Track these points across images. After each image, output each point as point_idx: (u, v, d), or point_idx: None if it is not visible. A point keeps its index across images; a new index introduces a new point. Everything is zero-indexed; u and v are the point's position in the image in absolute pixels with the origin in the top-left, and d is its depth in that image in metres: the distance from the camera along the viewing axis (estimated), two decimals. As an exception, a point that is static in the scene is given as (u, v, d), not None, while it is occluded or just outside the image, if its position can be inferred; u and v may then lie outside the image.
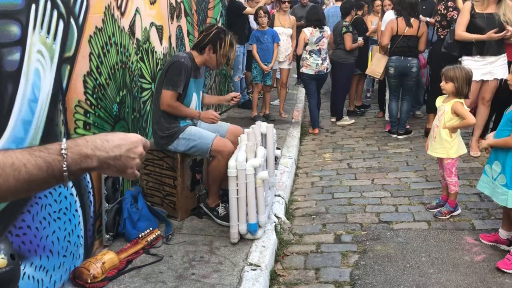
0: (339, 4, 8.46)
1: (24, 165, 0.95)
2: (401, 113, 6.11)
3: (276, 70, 6.93)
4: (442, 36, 5.67)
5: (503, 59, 4.93)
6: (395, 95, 6.11)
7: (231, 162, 3.17)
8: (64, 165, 0.98)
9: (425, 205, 3.97)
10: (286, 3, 6.49)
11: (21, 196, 1.00)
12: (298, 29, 6.84)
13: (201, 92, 3.78)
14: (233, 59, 3.91)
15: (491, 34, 4.72)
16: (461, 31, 4.93)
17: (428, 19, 6.18)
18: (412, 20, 5.75)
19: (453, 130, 3.64)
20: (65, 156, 0.98)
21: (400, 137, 6.04)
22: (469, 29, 4.90)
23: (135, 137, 1.10)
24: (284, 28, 6.45)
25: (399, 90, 6.09)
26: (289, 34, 6.49)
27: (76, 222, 2.88)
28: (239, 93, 3.99)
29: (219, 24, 6.74)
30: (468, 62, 4.95)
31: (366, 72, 6.66)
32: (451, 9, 5.58)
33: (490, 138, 3.19)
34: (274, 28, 6.45)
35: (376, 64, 6.20)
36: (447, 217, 3.71)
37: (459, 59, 5.03)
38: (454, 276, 2.96)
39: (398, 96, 6.14)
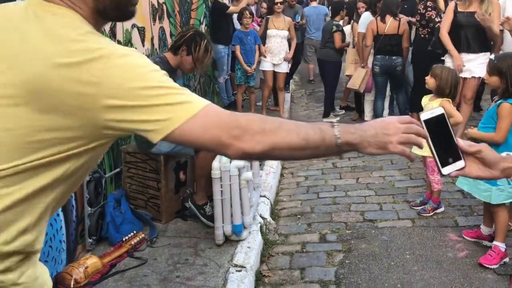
0: (314, 4, 8.60)
1: (303, 126, 1.11)
2: (399, 106, 6.29)
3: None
4: (422, 35, 5.73)
5: (484, 57, 4.99)
6: (381, 94, 6.17)
7: (215, 163, 3.16)
8: (337, 133, 1.10)
9: (409, 203, 3.99)
10: (278, 4, 6.46)
11: (296, 155, 1.11)
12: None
13: None
14: (207, 64, 3.79)
15: (456, 60, 4.92)
16: (444, 31, 5.04)
17: (410, 18, 6.25)
18: (391, 19, 5.82)
19: None
20: (335, 126, 1.11)
21: None
22: (452, 26, 5.00)
23: (387, 118, 1.18)
24: (277, 30, 6.44)
25: (385, 88, 6.18)
26: (284, 36, 6.48)
27: (58, 227, 2.84)
28: None
29: (203, 25, 6.72)
30: (449, 60, 5.03)
31: (347, 86, 6.66)
32: (430, 9, 5.65)
33: (475, 131, 3.20)
34: (268, 31, 6.46)
35: (356, 77, 6.24)
36: (431, 214, 3.74)
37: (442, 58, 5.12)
38: (437, 272, 2.98)
39: (384, 94, 6.22)
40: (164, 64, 3.47)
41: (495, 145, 3.01)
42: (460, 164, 1.19)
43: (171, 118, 1.01)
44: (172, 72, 3.56)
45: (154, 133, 1.02)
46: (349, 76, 6.66)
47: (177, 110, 1.02)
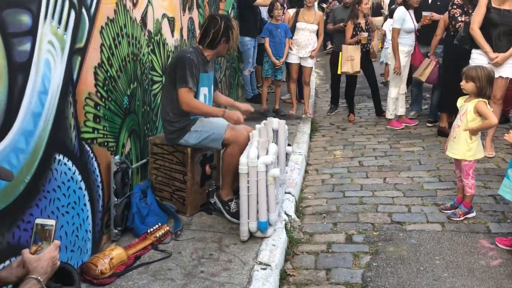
0: None
1: None
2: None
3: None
4: (453, 33, 5.57)
5: None
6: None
7: (243, 159, 3.11)
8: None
9: (439, 205, 3.88)
10: None
11: None
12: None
13: (212, 86, 3.70)
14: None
15: (496, 59, 4.69)
16: (475, 26, 4.84)
17: (436, 15, 6.05)
18: None
19: (473, 132, 3.54)
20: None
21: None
22: (483, 23, 4.79)
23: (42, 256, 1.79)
24: (307, 24, 6.30)
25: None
26: (313, 30, 6.34)
27: (85, 217, 2.83)
28: (253, 110, 3.88)
29: (231, 17, 6.65)
30: (476, 56, 4.85)
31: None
32: (455, 7, 5.48)
33: None
34: (297, 23, 6.32)
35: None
36: (462, 218, 3.63)
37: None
38: (469, 281, 2.88)
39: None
40: (198, 55, 3.46)
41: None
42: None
43: None
44: (206, 63, 3.54)
45: None
46: (344, 73, 6.43)
47: None
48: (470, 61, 4.86)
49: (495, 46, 4.76)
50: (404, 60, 6.05)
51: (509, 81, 4.91)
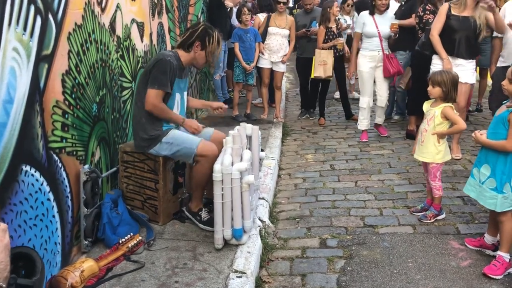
0: None
1: None
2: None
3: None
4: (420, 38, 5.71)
5: (471, 64, 4.95)
6: None
7: (217, 166, 3.07)
8: None
9: (409, 208, 3.95)
10: (281, 4, 6.31)
11: None
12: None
13: (185, 93, 3.65)
14: (218, 56, 3.80)
15: (447, 64, 4.79)
16: (434, 32, 4.96)
17: (398, 21, 6.10)
18: None
19: (441, 136, 3.63)
20: None
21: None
22: (443, 29, 4.92)
23: None
24: (279, 29, 6.31)
25: None
26: (284, 35, 6.35)
27: (54, 229, 2.74)
28: (226, 106, 3.88)
29: (201, 21, 6.60)
30: (437, 61, 4.96)
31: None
32: (428, 12, 5.62)
33: (484, 136, 3.12)
34: (269, 28, 6.32)
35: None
36: (432, 221, 3.70)
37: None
38: (441, 282, 2.93)
39: None
40: (176, 60, 3.40)
41: (506, 153, 2.96)
42: None
43: None
44: (181, 69, 3.49)
45: None
46: (317, 78, 6.41)
47: None
48: (431, 66, 4.98)
49: (457, 50, 4.89)
50: (367, 66, 5.79)
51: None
